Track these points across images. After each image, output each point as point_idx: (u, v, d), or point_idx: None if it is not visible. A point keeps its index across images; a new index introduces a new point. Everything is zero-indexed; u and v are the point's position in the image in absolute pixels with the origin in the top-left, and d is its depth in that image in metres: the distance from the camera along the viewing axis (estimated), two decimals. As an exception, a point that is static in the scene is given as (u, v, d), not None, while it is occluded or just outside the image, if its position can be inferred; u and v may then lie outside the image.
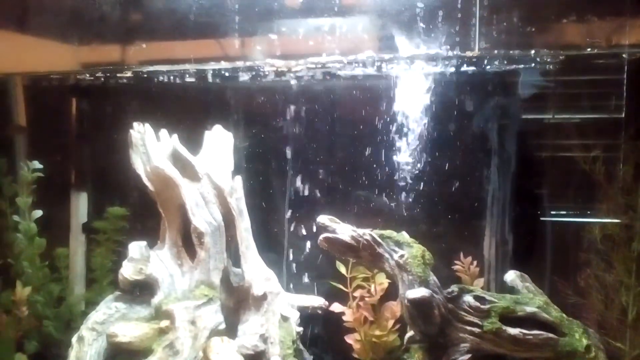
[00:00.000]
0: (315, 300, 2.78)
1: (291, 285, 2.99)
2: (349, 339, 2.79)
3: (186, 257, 2.62)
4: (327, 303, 2.77)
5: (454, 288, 2.32)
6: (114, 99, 3.14)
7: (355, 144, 2.90)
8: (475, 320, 2.27)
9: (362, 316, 2.77)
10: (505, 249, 2.81)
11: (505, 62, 2.61)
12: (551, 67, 2.68)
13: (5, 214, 2.87)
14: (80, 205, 3.15)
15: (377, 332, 2.74)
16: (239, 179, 2.70)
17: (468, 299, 2.29)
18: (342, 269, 2.80)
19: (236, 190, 2.67)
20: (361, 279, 2.79)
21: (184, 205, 2.56)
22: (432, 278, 2.29)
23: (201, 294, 2.54)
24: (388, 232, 2.39)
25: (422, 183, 2.83)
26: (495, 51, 2.58)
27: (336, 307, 2.79)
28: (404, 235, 2.39)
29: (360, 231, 2.37)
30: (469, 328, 2.27)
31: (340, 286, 2.82)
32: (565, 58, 2.67)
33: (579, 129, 2.73)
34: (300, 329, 2.62)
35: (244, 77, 2.86)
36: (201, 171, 2.62)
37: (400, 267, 2.30)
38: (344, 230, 2.38)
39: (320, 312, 2.79)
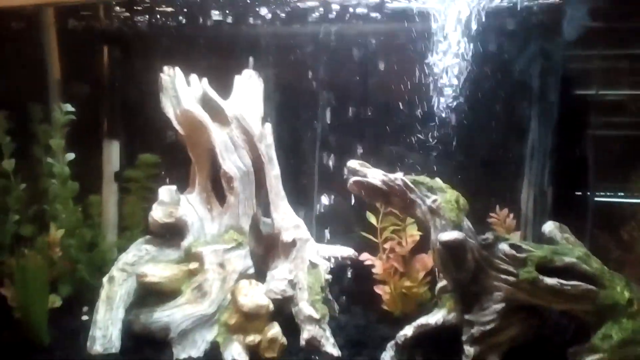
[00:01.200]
0: (345, 251, 2.74)
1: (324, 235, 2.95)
2: (378, 289, 2.76)
3: (216, 202, 2.61)
4: (356, 254, 2.73)
5: (489, 235, 2.23)
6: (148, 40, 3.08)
7: (386, 90, 2.80)
8: (511, 268, 2.17)
9: (392, 267, 2.72)
10: (544, 201, 2.69)
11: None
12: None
13: (40, 160, 2.91)
14: (112, 154, 3.16)
15: (408, 284, 2.70)
16: (268, 125, 2.66)
17: (504, 247, 2.20)
18: (372, 219, 2.76)
19: (266, 137, 2.63)
20: (391, 230, 2.75)
21: (213, 149, 2.54)
22: (466, 223, 2.21)
23: (230, 239, 2.52)
24: (421, 178, 2.31)
25: (457, 132, 2.71)
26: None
27: (366, 258, 2.75)
28: (438, 181, 2.31)
29: (392, 176, 2.30)
30: (503, 277, 2.18)
31: (371, 237, 2.78)
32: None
33: (625, 76, 2.56)
34: (330, 276, 2.59)
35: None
36: (230, 115, 2.59)
37: (432, 212, 2.23)
38: (375, 175, 2.32)
39: (350, 262, 2.75)
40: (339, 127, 2.96)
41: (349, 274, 2.87)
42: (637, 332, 2.12)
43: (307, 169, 3.04)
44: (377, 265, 2.75)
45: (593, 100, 2.69)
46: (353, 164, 2.36)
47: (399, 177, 2.29)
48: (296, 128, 3.02)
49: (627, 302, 2.15)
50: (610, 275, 2.22)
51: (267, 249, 2.67)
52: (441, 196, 2.24)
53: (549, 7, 2.47)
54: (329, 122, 2.98)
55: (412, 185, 2.28)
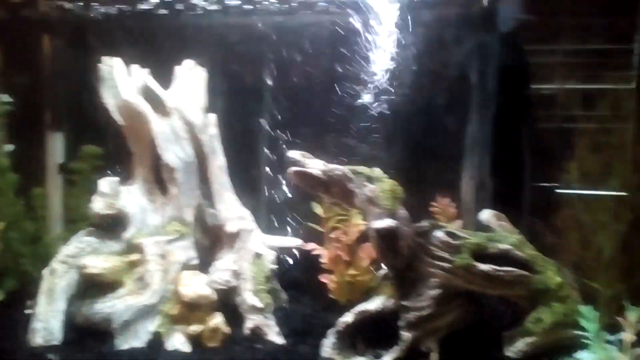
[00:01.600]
0: (292, 241, 2.77)
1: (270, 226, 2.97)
2: (324, 278, 2.79)
3: (158, 194, 2.60)
4: (303, 243, 2.76)
5: (425, 223, 2.29)
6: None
7: (324, 83, 2.82)
8: (446, 255, 2.22)
9: (337, 256, 2.76)
10: (484, 190, 2.76)
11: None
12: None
13: (-21, 153, 2.84)
14: (56, 145, 3.12)
15: (353, 272, 2.74)
16: (213, 116, 2.66)
17: (438, 234, 2.24)
18: (318, 209, 2.79)
19: (208, 127, 2.63)
20: (337, 220, 2.78)
21: (154, 140, 2.53)
22: (402, 212, 2.25)
23: (172, 230, 2.52)
24: (360, 168, 2.34)
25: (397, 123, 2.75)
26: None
27: (312, 247, 2.79)
28: (376, 171, 2.34)
29: (332, 166, 2.32)
30: (439, 263, 2.23)
31: (317, 227, 2.81)
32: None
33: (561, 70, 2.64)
34: (275, 266, 2.61)
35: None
36: (171, 106, 2.57)
37: (370, 201, 2.26)
38: (315, 165, 2.33)
39: (296, 252, 2.78)
40: (284, 118, 2.98)
41: (297, 264, 2.89)
42: (567, 315, 2.20)
43: (255, 159, 3.05)
44: (323, 254, 2.79)
45: (531, 93, 2.77)
46: (294, 154, 2.38)
47: (338, 167, 2.31)
48: (243, 119, 3.02)
49: (558, 287, 2.23)
50: (543, 261, 2.29)
51: (212, 240, 2.67)
52: (378, 185, 2.28)
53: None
54: (275, 113, 2.99)
55: (351, 175, 2.31)
